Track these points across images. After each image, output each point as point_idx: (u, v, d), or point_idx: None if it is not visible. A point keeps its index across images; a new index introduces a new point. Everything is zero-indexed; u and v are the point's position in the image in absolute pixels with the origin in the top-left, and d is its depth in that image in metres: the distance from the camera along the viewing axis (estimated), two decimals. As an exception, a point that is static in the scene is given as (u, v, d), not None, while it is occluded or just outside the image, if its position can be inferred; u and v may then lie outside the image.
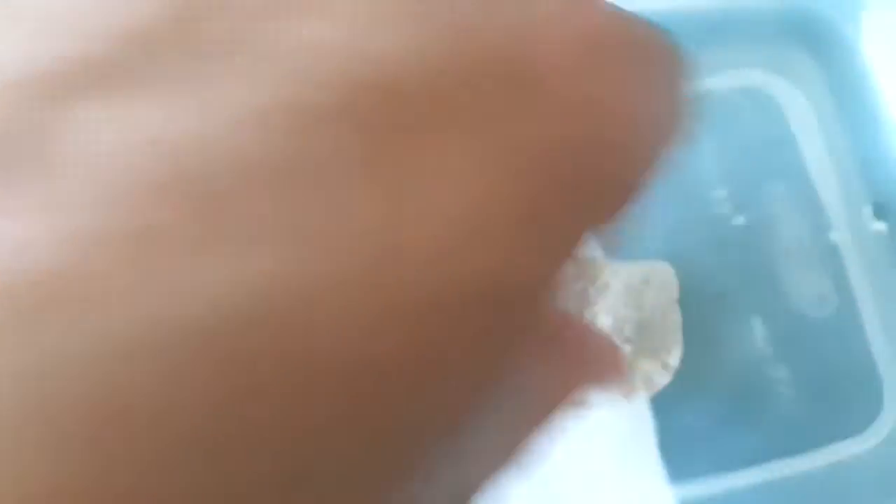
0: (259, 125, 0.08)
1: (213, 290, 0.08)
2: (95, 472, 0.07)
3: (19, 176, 0.08)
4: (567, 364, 0.12)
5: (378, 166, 0.09)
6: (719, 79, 0.39)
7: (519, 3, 0.10)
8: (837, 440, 0.35)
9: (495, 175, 0.09)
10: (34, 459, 0.07)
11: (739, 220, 0.37)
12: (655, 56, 0.12)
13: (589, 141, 0.10)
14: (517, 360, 0.10)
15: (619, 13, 0.11)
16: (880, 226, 0.37)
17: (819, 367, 0.36)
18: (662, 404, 0.35)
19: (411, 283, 0.08)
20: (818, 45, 0.39)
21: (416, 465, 0.09)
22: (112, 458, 0.07)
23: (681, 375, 0.35)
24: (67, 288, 0.08)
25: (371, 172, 0.09)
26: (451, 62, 0.09)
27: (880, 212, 0.38)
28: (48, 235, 0.08)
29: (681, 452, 0.35)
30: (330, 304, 0.08)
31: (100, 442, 0.07)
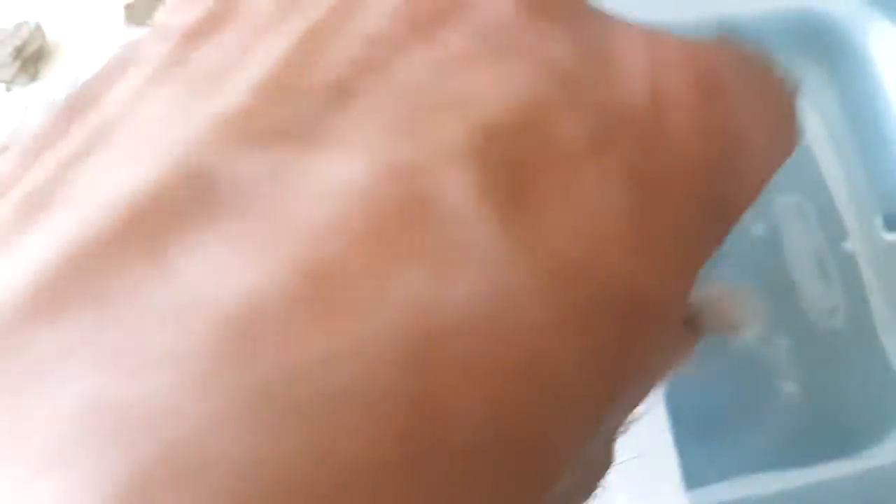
0: None
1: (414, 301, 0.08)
2: None
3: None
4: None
5: (516, 201, 0.10)
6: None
7: (640, 53, 0.11)
8: (857, 449, 0.35)
9: (622, 199, 0.10)
10: None
11: (758, 228, 0.37)
12: (765, 79, 0.13)
13: (710, 166, 0.11)
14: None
15: (730, 46, 0.13)
16: (892, 237, 0.38)
17: (838, 375, 0.36)
18: (678, 409, 0.35)
19: (571, 294, 0.09)
20: (829, 58, 0.39)
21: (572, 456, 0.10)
22: None
23: (697, 382, 0.35)
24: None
25: (503, 213, 0.09)
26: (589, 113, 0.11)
27: (891, 223, 0.38)
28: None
29: (695, 459, 0.34)
30: (513, 313, 0.09)
31: None
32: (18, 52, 0.46)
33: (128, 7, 0.46)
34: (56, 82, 0.46)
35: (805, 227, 0.38)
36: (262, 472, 0.07)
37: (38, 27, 0.46)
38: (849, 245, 0.37)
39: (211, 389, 0.07)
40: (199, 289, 0.08)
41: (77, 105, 0.11)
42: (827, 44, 0.39)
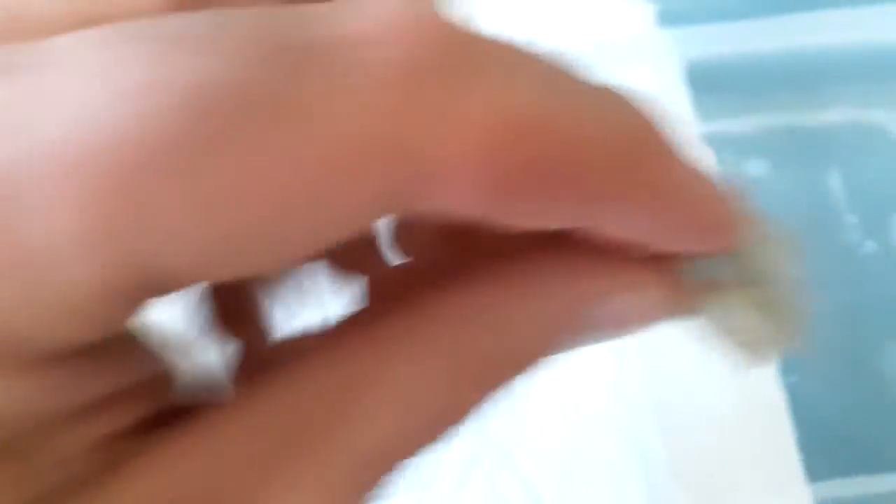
0: None
1: None
2: None
3: None
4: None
5: None
6: (843, 114, 0.41)
7: None
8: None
9: None
10: None
11: (870, 246, 0.39)
12: None
13: None
14: None
15: None
16: None
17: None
18: (800, 408, 0.36)
19: None
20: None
21: None
22: None
23: (819, 385, 0.36)
24: None
25: None
26: None
27: None
28: None
29: (816, 456, 0.36)
30: None
31: None
32: None
33: None
34: None
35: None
36: None
37: None
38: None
39: None
40: None
41: None
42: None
